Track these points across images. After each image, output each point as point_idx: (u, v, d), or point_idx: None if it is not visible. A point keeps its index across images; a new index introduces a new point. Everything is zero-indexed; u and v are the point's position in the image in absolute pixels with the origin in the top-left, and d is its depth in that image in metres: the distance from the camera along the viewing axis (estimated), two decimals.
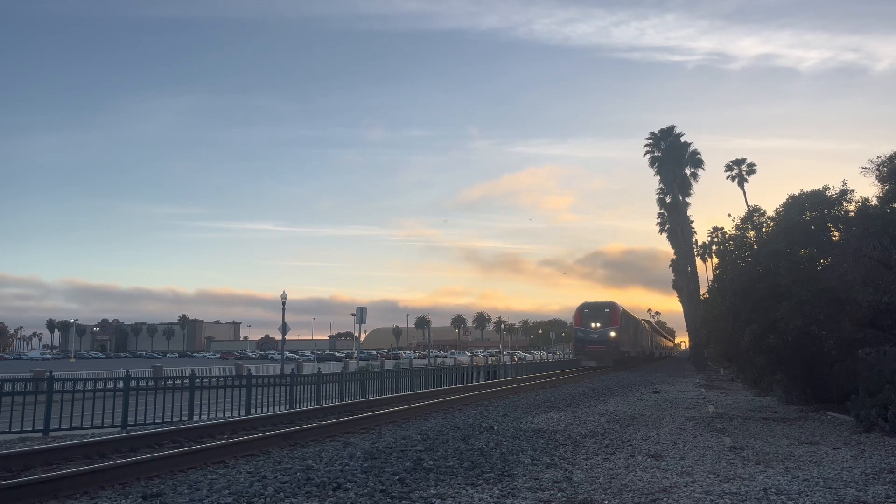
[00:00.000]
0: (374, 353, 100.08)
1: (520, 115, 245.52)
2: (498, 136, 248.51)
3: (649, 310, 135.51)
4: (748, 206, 41.52)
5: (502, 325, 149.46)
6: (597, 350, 45.86)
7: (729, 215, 46.91)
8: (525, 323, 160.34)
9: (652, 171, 58.33)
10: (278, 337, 54.43)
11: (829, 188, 15.42)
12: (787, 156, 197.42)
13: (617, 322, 46.21)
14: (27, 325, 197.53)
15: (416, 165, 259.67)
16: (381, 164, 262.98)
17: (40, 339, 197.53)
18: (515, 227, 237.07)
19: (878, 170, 14.92)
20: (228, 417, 14.63)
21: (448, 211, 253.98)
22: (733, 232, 18.59)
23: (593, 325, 46.09)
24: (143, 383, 16.06)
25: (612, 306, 47.65)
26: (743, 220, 18.74)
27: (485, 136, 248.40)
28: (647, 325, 75.02)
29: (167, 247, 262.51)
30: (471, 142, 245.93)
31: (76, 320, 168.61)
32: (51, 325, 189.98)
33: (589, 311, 47.28)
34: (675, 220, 57.13)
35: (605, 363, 45.47)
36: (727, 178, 56.47)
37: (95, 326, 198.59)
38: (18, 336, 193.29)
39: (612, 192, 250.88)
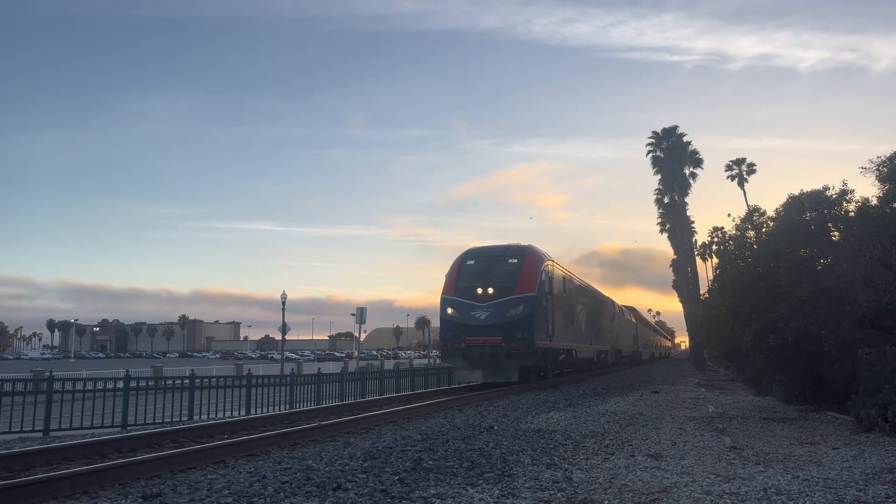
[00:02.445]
0: (375, 352, 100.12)
1: (516, 114, 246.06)
2: (494, 135, 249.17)
3: (650, 310, 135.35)
4: (748, 206, 41.55)
5: None
6: (486, 346, 20.83)
7: (729, 215, 47.02)
8: None
9: (649, 171, 58.41)
10: (278, 337, 54.49)
11: (829, 188, 15.44)
12: (786, 156, 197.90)
13: (532, 286, 21.63)
14: (19, 324, 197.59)
15: (411, 164, 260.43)
16: (375, 164, 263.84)
17: (40, 339, 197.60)
18: (510, 226, 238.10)
19: (878, 170, 14.93)
20: (228, 417, 14.63)
21: (440, 209, 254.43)
22: (733, 232, 18.61)
23: (480, 290, 21.66)
24: (143, 383, 16.07)
25: (524, 253, 22.84)
26: (743, 220, 18.76)
27: (481, 135, 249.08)
28: (628, 312, 52.13)
29: (161, 246, 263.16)
30: (467, 142, 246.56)
31: (76, 320, 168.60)
32: (51, 325, 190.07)
33: (476, 263, 22.70)
34: (675, 220, 57.13)
35: (506, 377, 20.92)
36: (727, 178, 56.72)
37: (95, 326, 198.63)
38: (18, 336, 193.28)
39: (607, 191, 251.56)
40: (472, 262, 22.74)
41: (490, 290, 21.40)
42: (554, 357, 24.19)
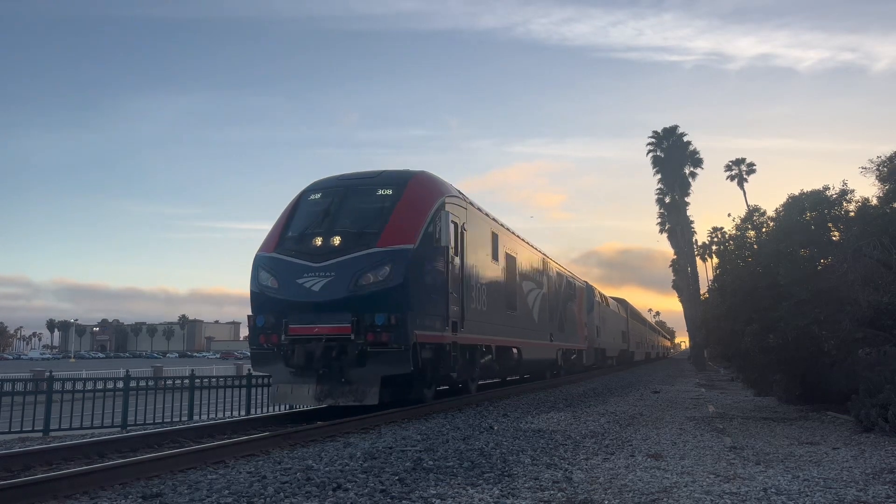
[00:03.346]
0: None
1: (515, 114, 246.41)
2: (492, 135, 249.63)
3: (650, 310, 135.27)
4: (748, 206, 41.53)
5: None
6: (321, 341, 11.81)
7: (729, 215, 47.07)
8: None
9: (649, 171, 58.79)
10: None
11: (829, 188, 15.45)
12: (786, 156, 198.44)
13: (412, 233, 12.48)
14: (17, 324, 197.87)
15: (409, 164, 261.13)
16: (374, 163, 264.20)
17: (40, 339, 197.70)
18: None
19: (878, 170, 14.93)
20: (228, 417, 14.63)
21: None
22: (733, 232, 18.61)
23: (319, 241, 12.62)
24: (143, 383, 16.07)
25: (405, 182, 13.56)
26: (743, 220, 18.77)
27: (479, 134, 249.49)
28: (615, 304, 45.37)
29: (159, 246, 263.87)
30: (465, 141, 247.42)
31: (76, 320, 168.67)
32: (50, 325, 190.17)
33: (322, 198, 13.65)
34: (675, 220, 57.22)
35: (357, 395, 11.71)
36: (727, 178, 56.96)
37: (95, 326, 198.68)
38: (18, 336, 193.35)
39: (606, 191, 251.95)
40: (318, 195, 13.85)
41: (335, 241, 12.51)
42: (467, 358, 15.09)
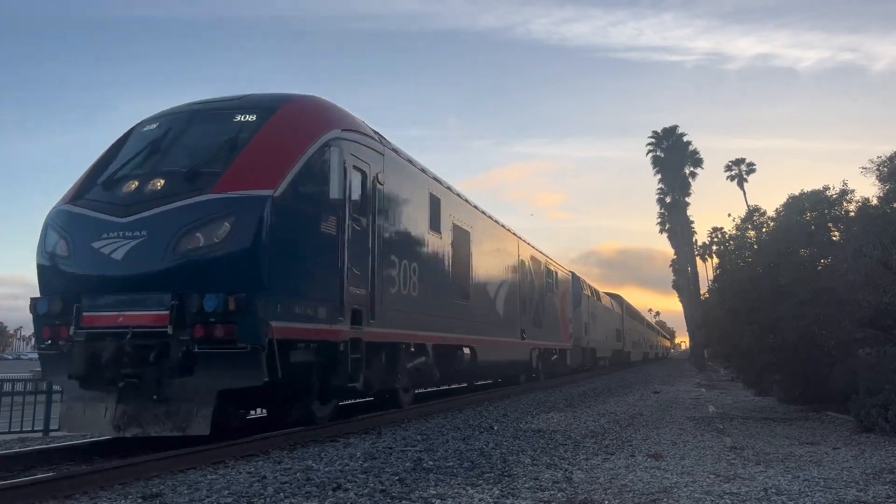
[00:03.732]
0: None
1: (515, 114, 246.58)
2: (492, 135, 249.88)
3: (650, 310, 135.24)
4: (748, 206, 41.48)
5: None
6: (122, 336, 7.79)
7: (729, 215, 46.97)
8: None
9: (649, 171, 58.82)
10: None
11: (829, 188, 15.48)
12: (786, 156, 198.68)
13: (275, 173, 8.25)
14: (17, 324, 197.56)
15: None
16: None
17: None
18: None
19: (878, 170, 14.93)
20: None
21: None
22: (733, 232, 18.63)
23: (135, 185, 8.45)
24: None
25: (276, 106, 9.41)
26: (743, 221, 18.79)
27: (478, 134, 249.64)
28: (609, 299, 42.70)
29: None
30: (463, 140, 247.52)
31: None
32: None
33: (158, 129, 9.46)
34: (675, 220, 57.27)
35: (178, 422, 7.78)
36: (727, 178, 57.04)
37: None
38: (18, 336, 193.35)
39: (606, 190, 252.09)
40: (154, 126, 9.95)
41: (156, 186, 8.61)
42: (384, 361, 11.67)
